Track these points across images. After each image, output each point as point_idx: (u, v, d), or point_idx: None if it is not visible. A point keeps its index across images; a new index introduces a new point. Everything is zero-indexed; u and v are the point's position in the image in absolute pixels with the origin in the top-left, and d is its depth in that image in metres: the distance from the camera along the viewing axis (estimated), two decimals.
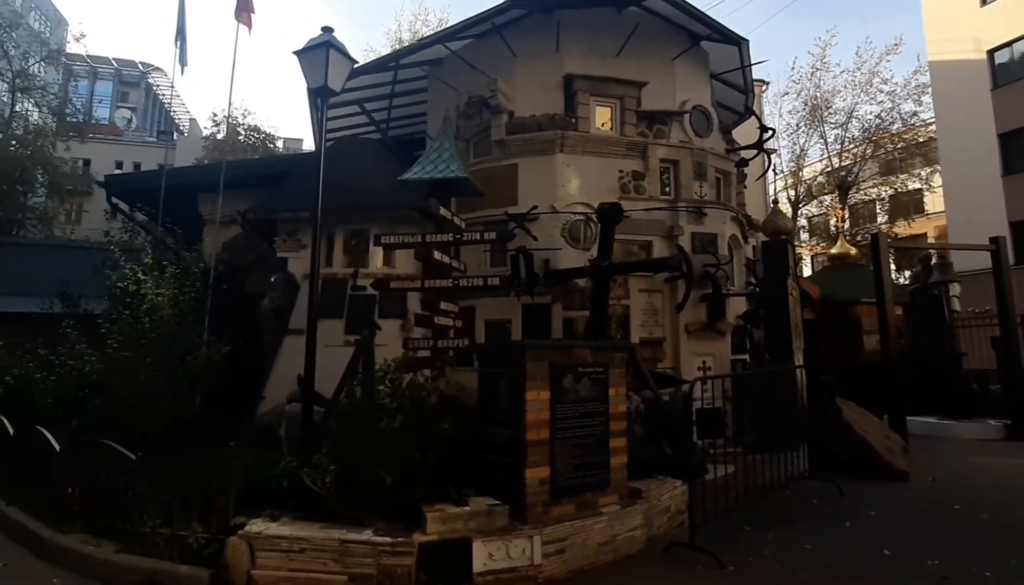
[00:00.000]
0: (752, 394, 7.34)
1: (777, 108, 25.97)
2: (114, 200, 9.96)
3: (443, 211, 6.21)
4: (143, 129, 41.79)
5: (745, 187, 9.77)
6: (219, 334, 6.88)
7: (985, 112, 19.23)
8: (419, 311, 6.28)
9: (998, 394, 10.59)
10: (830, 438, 7.09)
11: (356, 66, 8.16)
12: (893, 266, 21.26)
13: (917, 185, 24.99)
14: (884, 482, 6.62)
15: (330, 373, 5.34)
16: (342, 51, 5.35)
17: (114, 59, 42.63)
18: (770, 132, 8.63)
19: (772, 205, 10.75)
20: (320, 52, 5.22)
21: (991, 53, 19.31)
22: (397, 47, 20.48)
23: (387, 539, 3.89)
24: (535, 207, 7.65)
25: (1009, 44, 18.92)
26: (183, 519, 4.11)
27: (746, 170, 9.49)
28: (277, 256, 8.29)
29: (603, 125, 8.25)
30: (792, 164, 25.66)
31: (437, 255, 6.11)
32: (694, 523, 4.50)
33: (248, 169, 10.39)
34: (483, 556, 3.95)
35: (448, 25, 8.26)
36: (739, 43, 8.58)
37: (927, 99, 22.59)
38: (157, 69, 41.63)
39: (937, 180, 23.14)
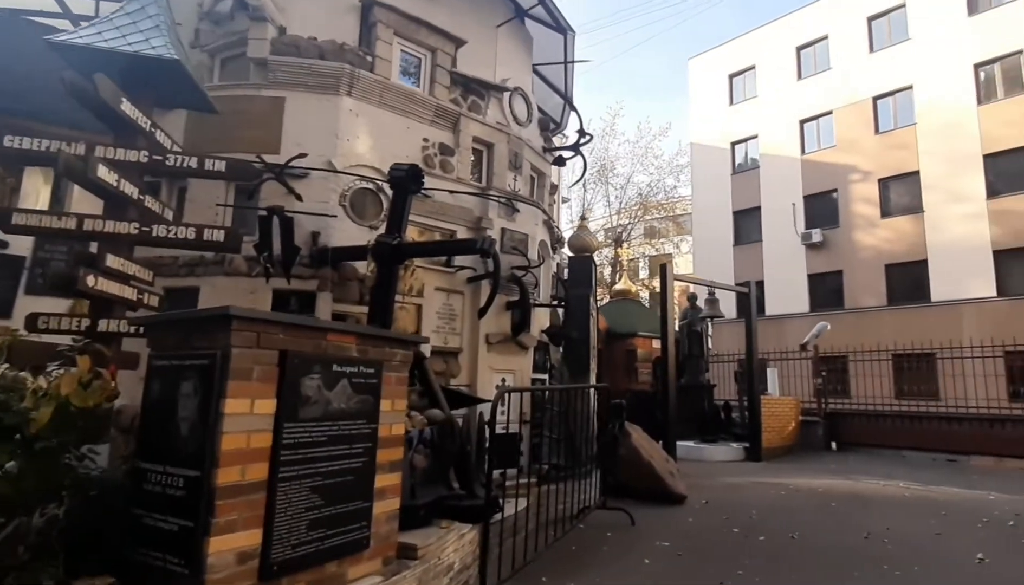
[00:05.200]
0: (550, 416, 6.63)
1: (572, 163, 28.06)
2: None
3: (126, 106, 3.76)
4: None
5: (554, 201, 9.02)
6: None
7: (727, 193, 22.88)
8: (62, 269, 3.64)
9: (737, 421, 11.65)
10: (621, 463, 6.83)
11: None
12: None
13: (671, 248, 29.13)
14: (667, 506, 6.63)
15: None
16: None
17: None
18: (588, 137, 7.99)
19: (580, 221, 10.26)
20: None
21: (733, 145, 23.21)
22: None
23: None
24: (303, 155, 5.51)
25: (744, 141, 22.96)
26: None
27: (558, 173, 8.72)
28: None
29: (414, 83, 6.58)
30: (583, 211, 27.75)
31: (105, 174, 3.62)
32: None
33: None
34: None
35: None
36: (565, 32, 7.83)
37: (684, 177, 26.55)
38: None
39: (685, 246, 27.04)
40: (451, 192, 6.50)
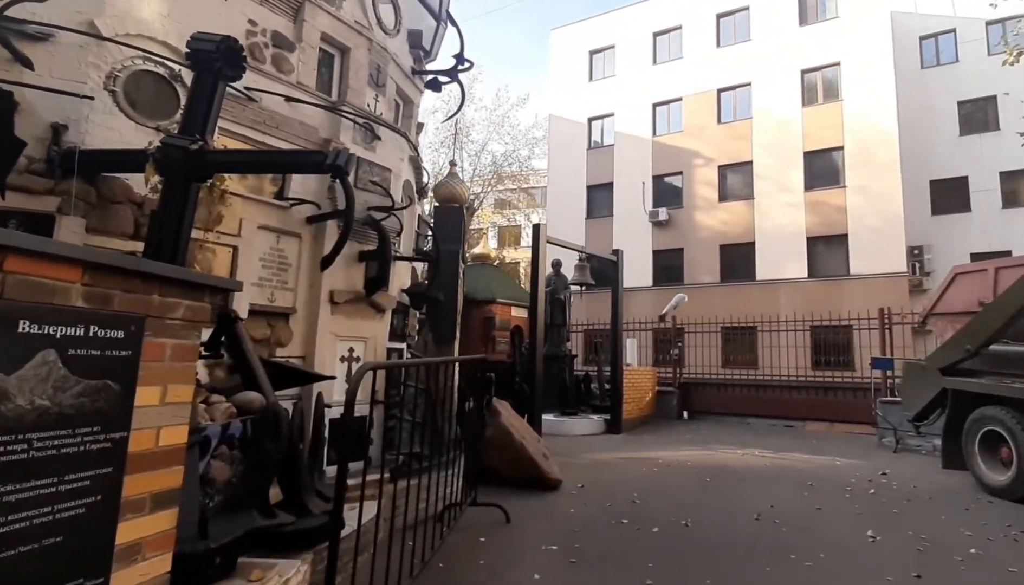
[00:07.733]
0: (411, 395, 5.57)
1: (427, 123, 26.48)
2: None
3: None
4: None
5: (419, 143, 7.61)
6: None
7: (582, 167, 23.12)
8: None
9: (595, 392, 11.56)
10: (489, 446, 6.01)
11: None
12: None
13: (521, 219, 29.17)
14: (543, 493, 5.97)
15: None
16: None
17: None
18: (469, 63, 6.70)
19: (450, 167, 8.97)
20: None
21: (590, 121, 23.45)
22: None
23: None
24: (40, 0, 3.47)
25: (601, 117, 23.32)
26: None
27: (427, 100, 7.31)
28: None
29: None
30: (434, 179, 26.33)
31: None
32: None
33: None
34: None
35: None
36: None
37: (538, 150, 26.49)
38: None
39: (536, 218, 27.18)
40: (288, 99, 4.81)
